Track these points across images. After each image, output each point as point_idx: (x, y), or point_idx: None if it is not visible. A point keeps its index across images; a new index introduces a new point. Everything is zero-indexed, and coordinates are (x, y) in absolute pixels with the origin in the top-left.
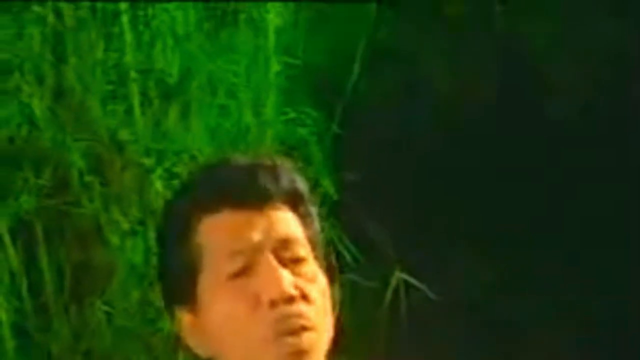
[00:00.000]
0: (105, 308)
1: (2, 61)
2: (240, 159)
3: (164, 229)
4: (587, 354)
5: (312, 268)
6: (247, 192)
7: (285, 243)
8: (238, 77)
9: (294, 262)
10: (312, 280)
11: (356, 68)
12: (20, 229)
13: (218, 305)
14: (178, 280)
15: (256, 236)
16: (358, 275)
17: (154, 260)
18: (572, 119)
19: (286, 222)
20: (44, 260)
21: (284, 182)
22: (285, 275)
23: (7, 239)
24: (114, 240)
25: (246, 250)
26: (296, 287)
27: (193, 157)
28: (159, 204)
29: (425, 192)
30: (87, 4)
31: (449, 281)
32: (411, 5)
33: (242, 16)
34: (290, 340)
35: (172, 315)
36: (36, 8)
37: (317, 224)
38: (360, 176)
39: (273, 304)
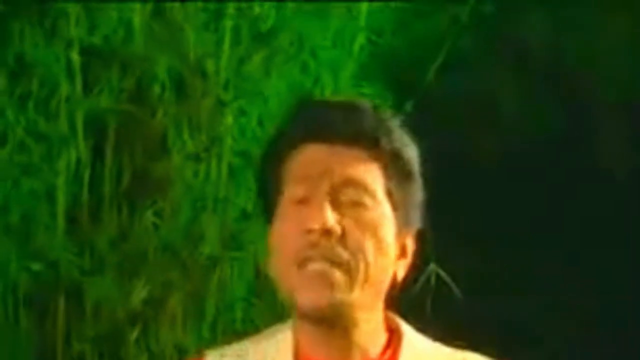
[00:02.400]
0: (154, 219)
1: None
2: (338, 98)
3: (264, 157)
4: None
5: (373, 216)
6: (331, 127)
7: (347, 184)
8: (324, 40)
9: (353, 205)
10: (367, 227)
11: (433, 67)
12: (94, 124)
13: (277, 225)
14: (267, 201)
15: (321, 168)
16: None
17: (211, 187)
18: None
19: (357, 165)
20: (108, 158)
21: (369, 128)
22: (329, 211)
23: (80, 129)
24: (177, 158)
25: (309, 178)
26: (340, 225)
27: (266, 102)
28: (226, 136)
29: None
30: None
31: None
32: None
33: None
34: (317, 267)
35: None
36: None
37: (410, 183)
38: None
39: (309, 231)
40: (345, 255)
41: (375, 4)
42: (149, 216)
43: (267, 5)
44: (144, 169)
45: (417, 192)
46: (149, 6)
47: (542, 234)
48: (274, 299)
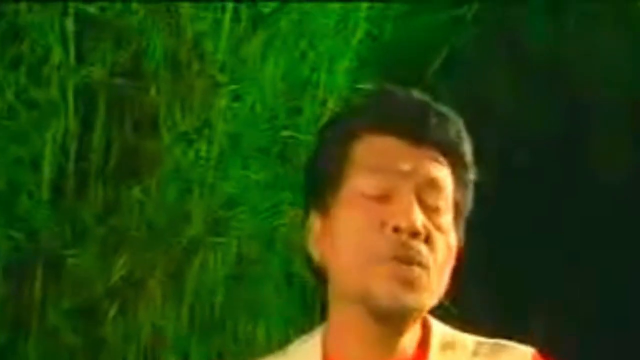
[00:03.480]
0: (141, 196)
1: None
2: (418, 94)
3: (327, 134)
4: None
5: (447, 221)
6: (417, 125)
7: (430, 186)
8: (324, 30)
9: (431, 209)
10: (442, 231)
11: (432, 68)
12: (85, 95)
13: (347, 217)
14: (321, 185)
15: (406, 166)
16: None
17: (199, 169)
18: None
19: (438, 168)
20: (97, 131)
21: (452, 134)
22: (418, 211)
23: (70, 99)
24: (167, 137)
25: (390, 173)
26: (425, 228)
27: (262, 88)
28: (218, 119)
29: None
30: None
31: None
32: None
33: None
34: (404, 267)
35: (306, 217)
36: None
37: (469, 194)
38: None
39: (397, 230)
40: (428, 258)
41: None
42: (135, 193)
43: None
44: (132, 145)
45: (469, 206)
46: None
47: (541, 233)
48: (254, 287)
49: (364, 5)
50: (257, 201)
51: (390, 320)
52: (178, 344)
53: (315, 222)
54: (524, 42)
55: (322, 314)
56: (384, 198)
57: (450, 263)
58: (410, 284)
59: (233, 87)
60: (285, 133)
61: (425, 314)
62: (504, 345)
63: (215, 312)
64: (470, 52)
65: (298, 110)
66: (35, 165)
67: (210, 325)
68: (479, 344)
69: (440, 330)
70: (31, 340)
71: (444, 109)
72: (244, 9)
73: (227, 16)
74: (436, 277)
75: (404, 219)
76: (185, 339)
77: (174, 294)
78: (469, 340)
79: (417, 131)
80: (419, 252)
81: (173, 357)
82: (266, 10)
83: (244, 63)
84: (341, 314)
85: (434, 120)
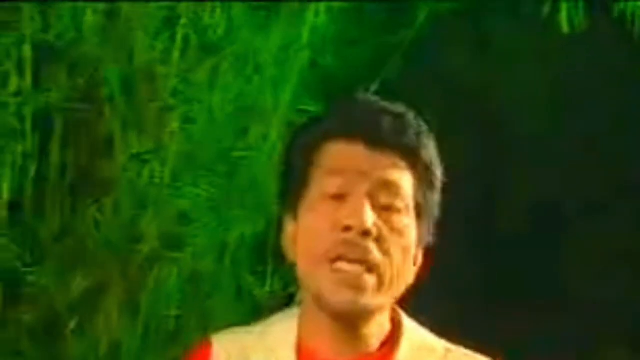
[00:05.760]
0: (97, 215)
1: None
2: (377, 100)
3: (293, 144)
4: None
5: (404, 222)
6: (373, 131)
7: (385, 186)
8: (268, 59)
9: (386, 209)
10: (397, 232)
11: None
12: (42, 119)
13: (307, 218)
14: (291, 189)
15: (362, 166)
16: None
17: (153, 189)
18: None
19: (395, 171)
20: (54, 153)
21: (409, 135)
22: (369, 212)
23: (28, 123)
24: (122, 159)
25: (347, 173)
26: (376, 227)
27: (210, 111)
28: (171, 140)
29: None
30: None
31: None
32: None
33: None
34: (347, 267)
35: (282, 220)
36: None
37: (435, 193)
38: None
39: (347, 229)
40: (378, 258)
41: (320, 22)
42: (92, 213)
43: (217, 15)
44: (88, 167)
45: (437, 207)
46: (101, 8)
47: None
48: (206, 300)
49: (305, 34)
50: (209, 218)
51: (345, 318)
52: (133, 356)
53: (288, 224)
54: (450, 74)
55: None
56: (340, 198)
57: (408, 263)
58: (359, 288)
59: (184, 110)
60: (235, 154)
61: (387, 310)
62: (472, 357)
63: (169, 326)
64: (399, 82)
65: (245, 132)
66: None
67: (164, 337)
68: (449, 350)
69: (411, 330)
70: None
71: (405, 113)
72: (193, 38)
73: (177, 45)
74: (388, 277)
75: (355, 218)
76: (140, 351)
77: (130, 309)
78: (440, 345)
79: (373, 136)
80: (366, 251)
81: None
82: (214, 38)
83: (193, 87)
84: (307, 307)
85: (390, 125)
